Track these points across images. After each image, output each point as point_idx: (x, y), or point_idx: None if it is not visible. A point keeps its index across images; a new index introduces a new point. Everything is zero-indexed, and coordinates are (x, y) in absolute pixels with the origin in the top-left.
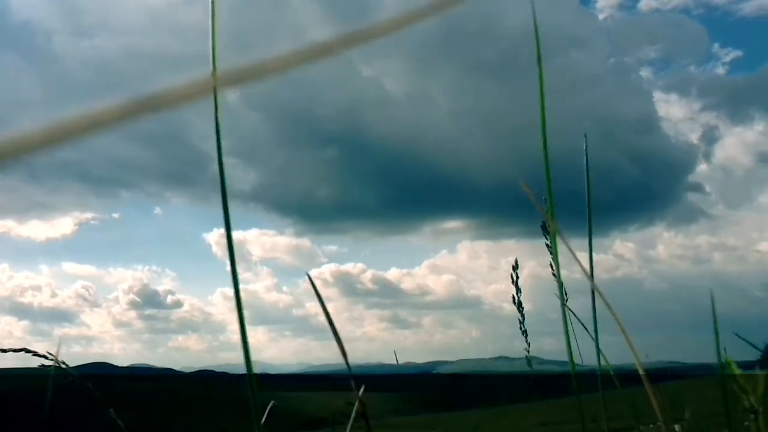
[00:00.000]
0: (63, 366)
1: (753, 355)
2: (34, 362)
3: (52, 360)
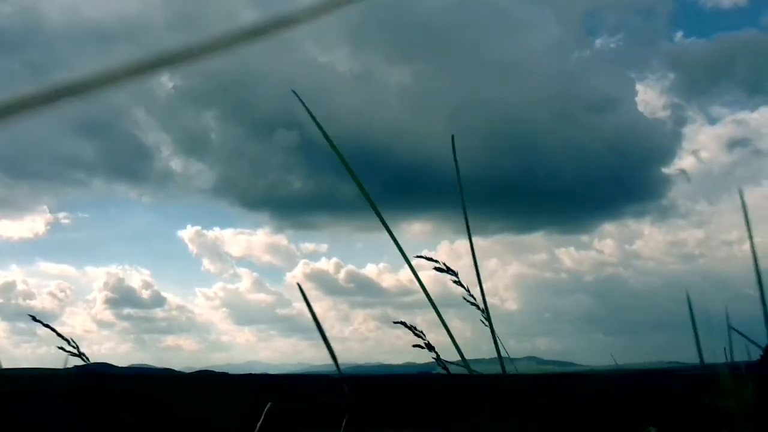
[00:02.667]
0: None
1: (754, 355)
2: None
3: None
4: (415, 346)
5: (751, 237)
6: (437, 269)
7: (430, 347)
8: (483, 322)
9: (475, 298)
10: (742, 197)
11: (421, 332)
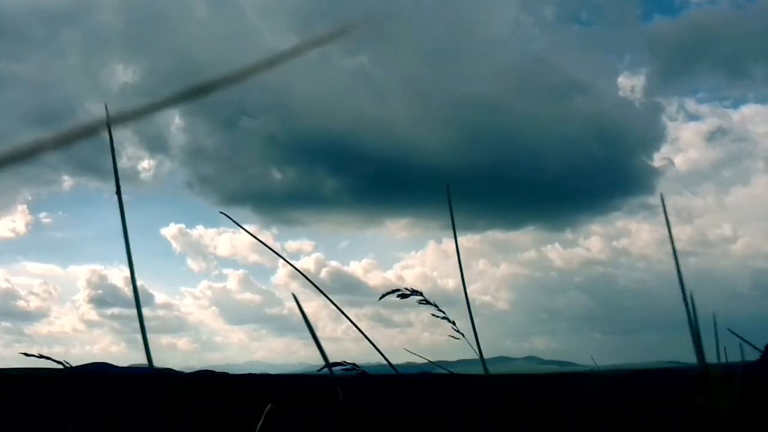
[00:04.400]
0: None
1: (749, 356)
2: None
3: (59, 363)
4: (452, 336)
5: (672, 240)
6: (401, 296)
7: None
8: (453, 337)
9: (445, 313)
10: (663, 200)
11: (453, 321)
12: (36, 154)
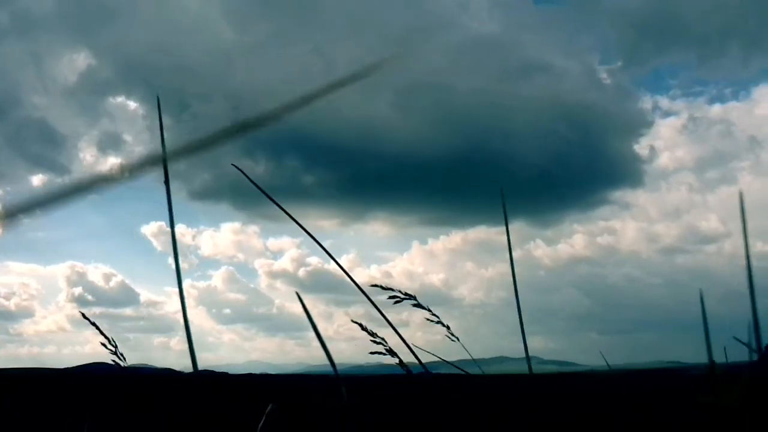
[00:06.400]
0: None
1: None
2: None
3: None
4: (373, 353)
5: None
6: (395, 299)
7: (391, 353)
8: (450, 338)
9: (438, 318)
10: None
11: (383, 339)
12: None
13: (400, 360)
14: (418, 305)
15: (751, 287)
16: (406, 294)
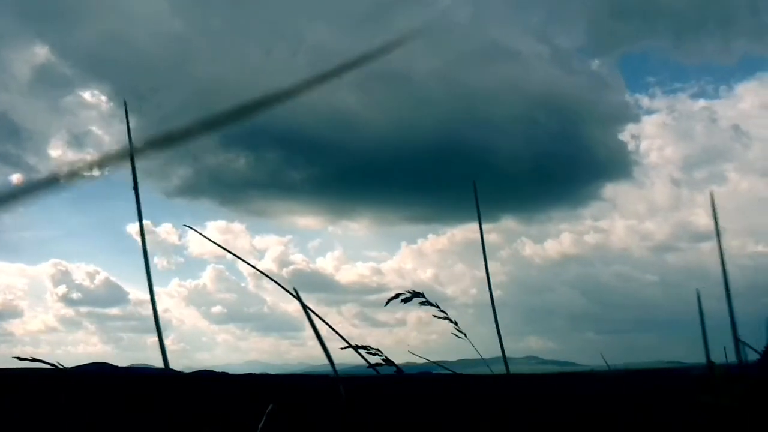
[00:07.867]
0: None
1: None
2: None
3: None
4: (370, 366)
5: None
6: (404, 300)
7: (388, 362)
8: (456, 335)
9: (446, 314)
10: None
11: (378, 349)
12: (52, 187)
13: (371, 365)
14: (427, 302)
15: (727, 287)
16: (414, 292)
